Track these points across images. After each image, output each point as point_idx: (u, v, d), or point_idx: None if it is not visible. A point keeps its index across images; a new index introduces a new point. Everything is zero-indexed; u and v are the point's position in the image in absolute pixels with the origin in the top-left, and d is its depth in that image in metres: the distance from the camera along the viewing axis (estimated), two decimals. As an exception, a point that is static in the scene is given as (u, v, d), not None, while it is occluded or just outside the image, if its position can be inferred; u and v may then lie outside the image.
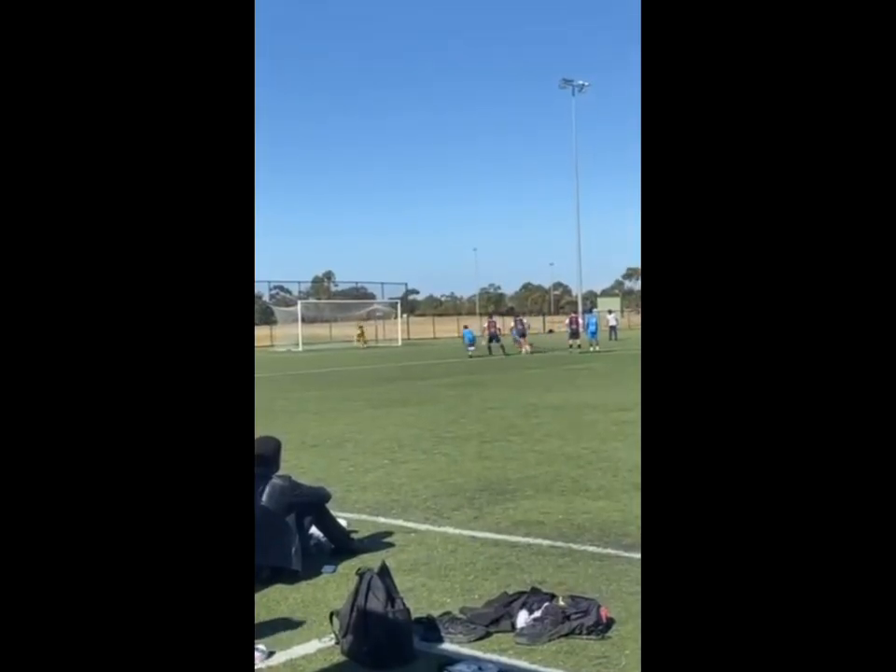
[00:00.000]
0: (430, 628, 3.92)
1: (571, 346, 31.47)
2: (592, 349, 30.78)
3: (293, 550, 4.87)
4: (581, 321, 33.73)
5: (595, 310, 35.92)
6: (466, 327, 35.71)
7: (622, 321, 48.86)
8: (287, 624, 4.13)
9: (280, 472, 5.21)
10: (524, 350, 31.37)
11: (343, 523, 5.64)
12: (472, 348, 30.84)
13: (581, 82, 56.47)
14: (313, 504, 5.33)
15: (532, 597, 4.04)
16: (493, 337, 31.81)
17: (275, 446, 5.24)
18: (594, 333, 32.05)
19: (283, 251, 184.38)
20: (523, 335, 32.57)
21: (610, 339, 39.15)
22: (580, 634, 3.78)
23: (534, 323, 57.74)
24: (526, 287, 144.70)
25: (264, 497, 4.92)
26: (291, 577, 4.79)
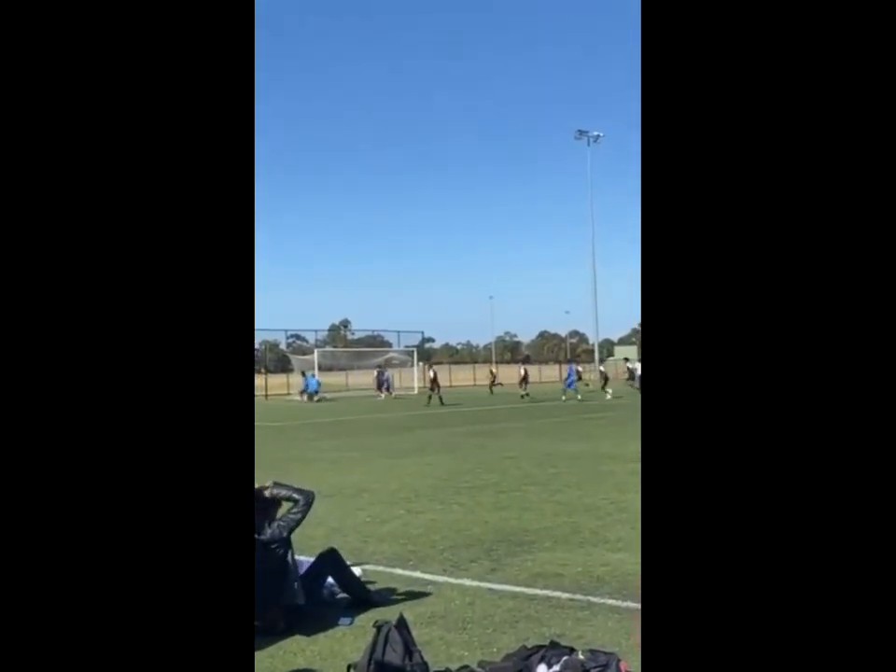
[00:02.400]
0: (448, 682, 3.88)
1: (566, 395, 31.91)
2: (577, 398, 30.98)
3: (295, 585, 4.88)
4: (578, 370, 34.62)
5: (574, 363, 36.04)
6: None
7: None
8: (304, 677, 4.10)
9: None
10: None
11: (357, 573, 5.61)
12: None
13: (595, 133, 57.15)
14: (327, 557, 5.32)
15: (551, 651, 3.99)
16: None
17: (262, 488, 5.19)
18: (571, 384, 32.34)
19: (300, 300, 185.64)
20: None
21: (634, 387, 38.96)
22: (600, 689, 3.72)
23: (549, 371, 57.58)
24: (543, 335, 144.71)
25: (267, 534, 4.92)
26: (308, 628, 4.77)
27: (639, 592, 5.20)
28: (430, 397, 31.69)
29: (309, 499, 5.05)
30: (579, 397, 31.09)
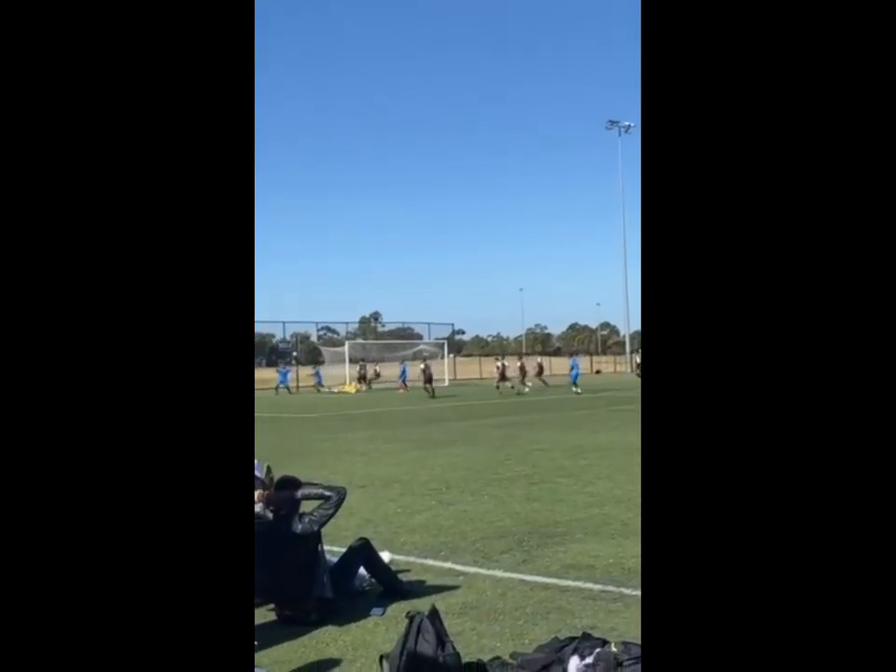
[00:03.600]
0: (481, 673, 3.87)
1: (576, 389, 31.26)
2: (576, 391, 30.33)
3: (325, 578, 4.91)
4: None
5: (575, 357, 35.45)
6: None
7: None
8: (336, 667, 4.12)
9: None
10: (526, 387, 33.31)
11: (385, 558, 5.62)
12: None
13: (626, 123, 56.78)
14: (359, 548, 5.34)
15: (584, 643, 3.97)
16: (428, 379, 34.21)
17: (297, 484, 5.18)
18: (576, 376, 32.03)
19: (331, 294, 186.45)
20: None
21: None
22: (633, 681, 3.70)
23: (581, 364, 57.30)
24: (573, 327, 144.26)
25: (299, 528, 4.95)
26: (340, 618, 4.79)
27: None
28: (426, 389, 32.67)
29: (341, 496, 5.06)
30: (578, 391, 30.41)
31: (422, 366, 35.15)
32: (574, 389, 30.69)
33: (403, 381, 39.13)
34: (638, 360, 42.23)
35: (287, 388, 40.52)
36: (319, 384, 42.42)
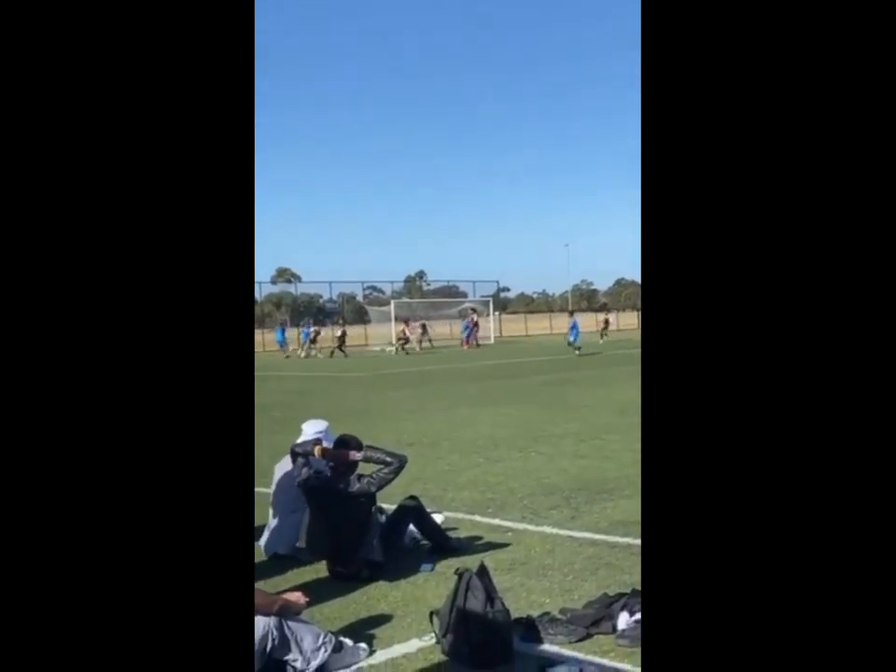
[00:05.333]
0: (530, 629, 3.91)
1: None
2: (575, 353, 28.02)
3: (375, 542, 4.98)
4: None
5: (575, 316, 31.63)
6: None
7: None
8: (387, 622, 4.18)
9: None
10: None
11: (438, 519, 5.67)
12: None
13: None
14: (409, 505, 5.40)
15: (633, 599, 3.98)
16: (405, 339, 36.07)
17: (358, 444, 5.25)
18: (575, 338, 29.33)
19: (376, 252, 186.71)
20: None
21: None
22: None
23: (627, 319, 56.84)
24: (619, 282, 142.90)
25: (356, 487, 5.01)
26: (390, 575, 4.85)
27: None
28: (402, 348, 34.62)
29: (402, 462, 5.09)
30: (576, 352, 28.05)
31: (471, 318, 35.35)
32: (575, 352, 28.25)
33: (467, 337, 39.20)
34: None
35: (307, 348, 36.36)
36: (310, 345, 36.76)
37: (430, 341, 40.43)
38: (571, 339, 29.64)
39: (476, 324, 39.86)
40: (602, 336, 37.19)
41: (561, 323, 39.93)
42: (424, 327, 39.95)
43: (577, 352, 28.30)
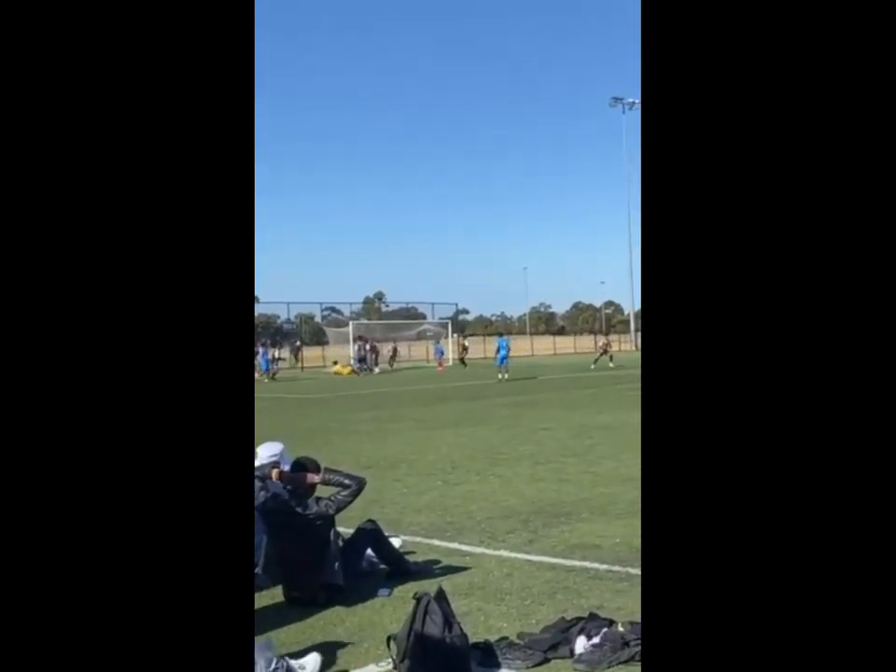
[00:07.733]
0: (488, 654, 3.89)
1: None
2: (501, 377, 26.36)
3: (336, 565, 4.93)
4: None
5: (505, 337, 29.41)
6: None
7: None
8: (343, 648, 4.14)
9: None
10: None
11: (396, 543, 5.64)
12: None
13: (630, 100, 56.48)
14: (367, 529, 5.36)
15: (590, 623, 3.99)
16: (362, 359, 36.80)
17: (316, 466, 5.20)
18: (504, 359, 26.95)
19: (335, 275, 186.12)
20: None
21: None
22: (639, 660, 3.72)
23: (585, 343, 57.33)
24: (577, 305, 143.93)
25: (314, 510, 4.96)
26: (347, 599, 4.81)
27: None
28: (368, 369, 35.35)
29: (361, 485, 5.07)
30: (504, 376, 26.21)
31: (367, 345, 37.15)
32: (500, 375, 26.34)
33: (440, 360, 41.08)
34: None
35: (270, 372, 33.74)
36: (271, 366, 34.29)
37: (391, 361, 41.34)
38: (498, 363, 27.19)
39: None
40: (610, 358, 35.00)
41: (520, 345, 40.04)
42: (374, 348, 39.95)
43: (502, 376, 26.13)
